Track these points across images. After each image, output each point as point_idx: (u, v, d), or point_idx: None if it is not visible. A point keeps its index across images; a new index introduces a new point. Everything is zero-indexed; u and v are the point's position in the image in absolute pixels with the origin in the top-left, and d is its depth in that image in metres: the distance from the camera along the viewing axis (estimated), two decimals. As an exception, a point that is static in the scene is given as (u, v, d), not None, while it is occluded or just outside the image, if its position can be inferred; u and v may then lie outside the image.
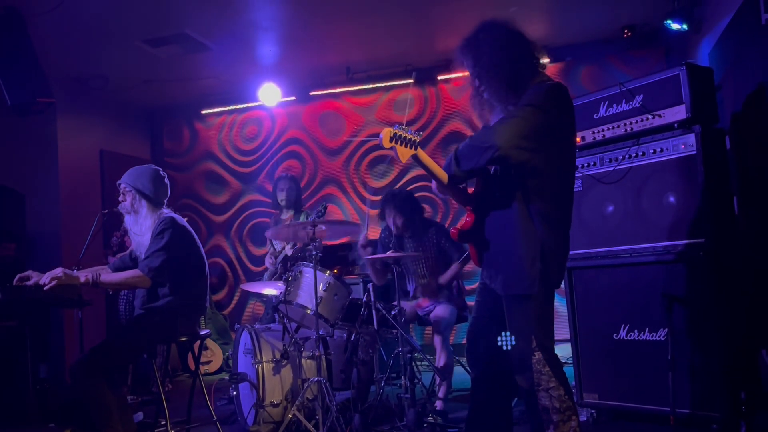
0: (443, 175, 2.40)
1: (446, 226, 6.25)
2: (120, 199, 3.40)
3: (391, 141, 2.20)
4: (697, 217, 3.18)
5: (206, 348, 6.30)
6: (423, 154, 2.33)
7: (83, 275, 3.16)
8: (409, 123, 7.19)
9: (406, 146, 2.24)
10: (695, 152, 3.20)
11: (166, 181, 3.47)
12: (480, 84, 2.39)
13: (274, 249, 5.27)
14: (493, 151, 2.23)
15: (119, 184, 3.40)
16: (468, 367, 2.62)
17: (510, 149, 2.22)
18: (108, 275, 3.27)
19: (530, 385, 2.28)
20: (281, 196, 5.23)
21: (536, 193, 2.29)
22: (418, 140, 2.27)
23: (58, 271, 3.10)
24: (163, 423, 3.43)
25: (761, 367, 3.53)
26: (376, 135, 2.22)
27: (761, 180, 3.54)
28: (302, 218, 5.12)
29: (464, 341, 6.55)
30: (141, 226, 3.34)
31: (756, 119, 3.54)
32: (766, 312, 3.45)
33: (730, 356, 3.10)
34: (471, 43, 2.38)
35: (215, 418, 3.54)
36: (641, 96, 3.44)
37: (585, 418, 3.60)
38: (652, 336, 3.33)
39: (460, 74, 6.64)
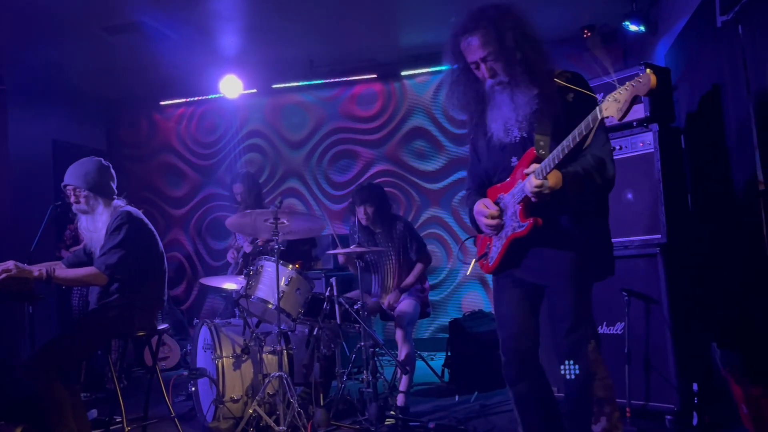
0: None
1: (409, 219, 6.28)
2: (72, 200, 3.27)
3: None
4: (654, 214, 3.26)
5: (163, 344, 6.18)
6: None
7: (36, 269, 3.07)
8: (372, 119, 7.23)
9: None
10: (653, 150, 3.29)
11: (111, 168, 3.36)
12: (503, 67, 2.27)
13: (237, 243, 5.18)
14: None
15: (65, 187, 3.26)
16: (509, 385, 2.46)
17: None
18: (63, 271, 3.17)
19: (583, 375, 2.20)
20: (238, 199, 5.05)
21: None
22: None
23: (9, 264, 3.00)
24: (118, 420, 3.36)
25: (713, 360, 3.65)
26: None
27: (714, 178, 3.66)
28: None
29: (426, 336, 6.61)
30: (97, 222, 3.24)
31: (710, 119, 3.64)
32: (717, 306, 3.56)
33: (683, 349, 3.19)
34: (498, 20, 2.26)
35: (173, 415, 3.47)
36: (601, 95, 3.49)
37: (544, 411, 3.65)
38: (609, 330, 3.41)
39: (424, 70, 6.69)
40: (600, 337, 2.28)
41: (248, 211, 3.67)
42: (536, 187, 2.14)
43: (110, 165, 3.37)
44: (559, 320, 2.28)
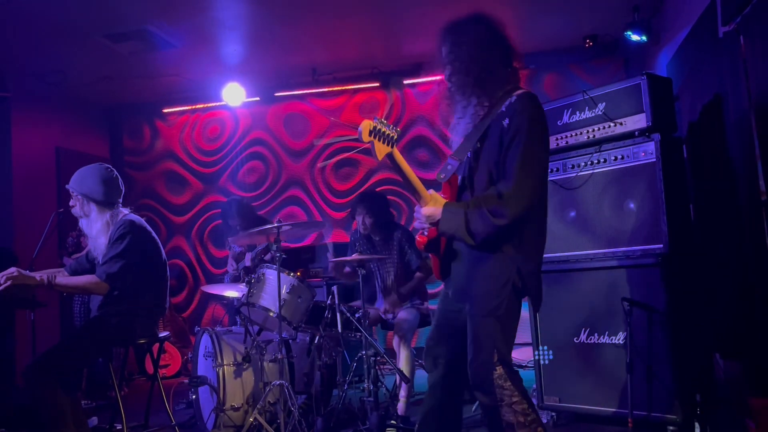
0: (416, 181, 2.24)
1: (410, 229, 6.28)
2: (71, 203, 3.32)
3: (370, 135, 2.04)
4: (656, 224, 3.26)
5: (164, 351, 6.17)
6: (398, 155, 2.16)
7: (38, 275, 3.08)
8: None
9: (384, 142, 2.08)
10: (654, 160, 3.28)
11: (117, 179, 3.36)
12: (451, 73, 2.29)
13: (234, 252, 5.20)
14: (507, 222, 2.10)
15: (67, 188, 3.31)
16: (426, 371, 2.53)
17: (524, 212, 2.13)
18: (64, 278, 3.18)
19: (492, 401, 2.18)
20: (239, 229, 5.12)
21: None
22: (395, 137, 2.11)
23: (13, 270, 3.01)
24: (119, 428, 3.35)
25: (715, 370, 3.64)
26: (355, 127, 2.06)
27: (716, 188, 3.66)
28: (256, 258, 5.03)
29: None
30: (92, 229, 3.27)
31: (711, 129, 3.65)
32: (720, 317, 3.55)
33: (685, 360, 3.18)
34: (456, 28, 2.29)
35: (174, 423, 3.47)
36: (603, 104, 3.51)
37: (546, 421, 3.64)
38: (611, 340, 3.40)
39: (426, 79, 6.70)
40: (511, 364, 2.21)
41: (252, 230, 3.71)
42: (416, 214, 2.22)
43: (116, 175, 3.36)
44: (468, 346, 2.26)
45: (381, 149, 2.09)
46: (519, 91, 2.23)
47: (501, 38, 2.29)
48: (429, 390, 2.50)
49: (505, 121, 2.17)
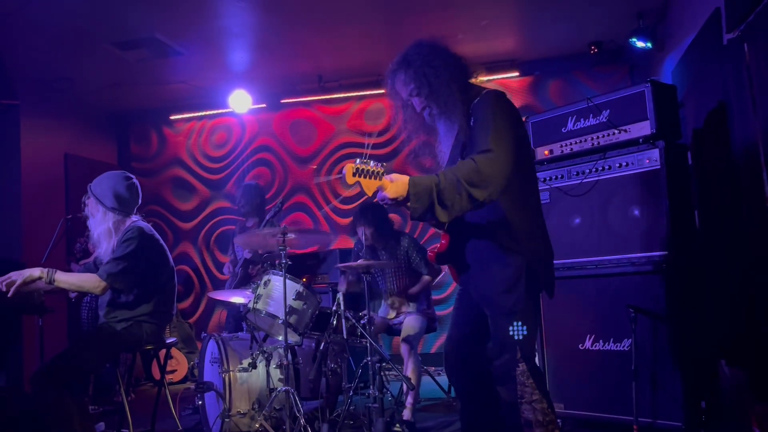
0: None
1: (415, 236, 6.29)
2: (84, 200, 3.39)
3: (354, 176, 2.06)
4: (661, 230, 3.26)
5: (170, 357, 6.20)
6: (389, 184, 2.15)
7: (39, 270, 3.07)
8: (380, 133, 7.24)
9: (370, 178, 2.09)
10: (659, 167, 3.29)
11: (135, 189, 3.42)
12: (427, 101, 2.38)
13: (236, 257, 5.23)
14: (488, 196, 2.15)
15: (88, 186, 3.38)
16: (448, 377, 2.57)
17: (503, 186, 2.18)
18: (64, 274, 3.15)
19: (513, 397, 2.24)
20: (241, 203, 5.22)
21: (508, 206, 2.27)
22: (382, 171, 2.11)
23: (11, 276, 3.00)
24: (126, 433, 3.37)
25: (721, 377, 3.63)
26: (341, 172, 2.09)
27: (720, 195, 3.66)
28: (267, 227, 5.05)
29: (432, 351, 6.60)
30: (95, 231, 3.32)
31: (716, 136, 3.65)
32: (725, 323, 3.55)
33: (690, 367, 3.18)
34: (421, 56, 2.37)
35: (180, 428, 3.49)
36: (608, 111, 3.52)
37: (550, 428, 3.64)
38: (616, 346, 3.40)
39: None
40: (533, 362, 2.27)
41: (257, 231, 3.72)
42: (379, 197, 2.15)
43: (131, 186, 3.40)
44: (492, 346, 2.34)
45: (369, 186, 2.09)
46: (483, 92, 2.35)
47: (456, 55, 2.43)
48: (461, 400, 2.53)
49: (471, 121, 2.32)
